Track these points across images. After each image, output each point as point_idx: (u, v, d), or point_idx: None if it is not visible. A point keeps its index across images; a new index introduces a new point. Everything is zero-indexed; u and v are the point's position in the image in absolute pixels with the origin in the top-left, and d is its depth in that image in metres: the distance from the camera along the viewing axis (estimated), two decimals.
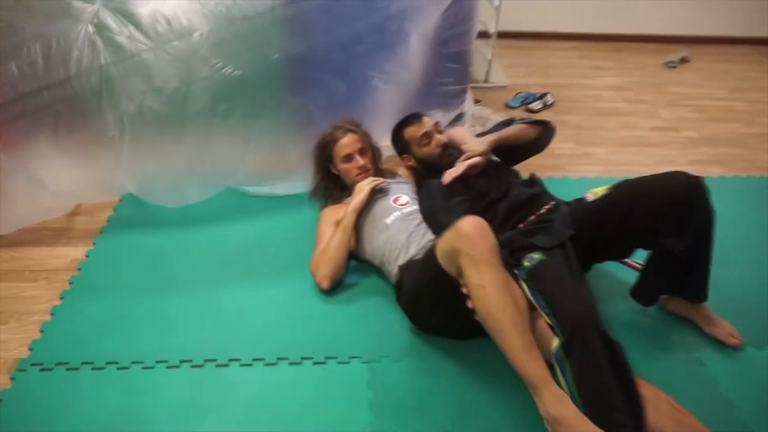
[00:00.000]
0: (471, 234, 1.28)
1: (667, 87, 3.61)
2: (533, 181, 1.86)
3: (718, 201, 1.54)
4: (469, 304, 1.32)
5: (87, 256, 1.92)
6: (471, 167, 1.81)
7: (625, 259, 1.89)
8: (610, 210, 1.61)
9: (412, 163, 1.99)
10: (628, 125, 3.07)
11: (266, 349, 1.57)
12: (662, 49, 4.24)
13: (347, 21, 1.95)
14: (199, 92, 1.82)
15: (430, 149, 1.91)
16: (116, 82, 1.75)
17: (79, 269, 1.87)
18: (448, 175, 1.80)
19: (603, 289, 1.82)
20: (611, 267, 1.87)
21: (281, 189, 2.27)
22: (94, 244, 1.99)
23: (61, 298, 1.75)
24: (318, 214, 2.00)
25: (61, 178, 1.90)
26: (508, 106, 3.21)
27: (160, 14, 1.76)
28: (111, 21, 1.75)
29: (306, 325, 1.67)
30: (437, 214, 1.71)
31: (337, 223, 1.84)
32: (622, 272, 1.88)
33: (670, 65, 3.95)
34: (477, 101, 3.14)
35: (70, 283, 1.81)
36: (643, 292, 1.70)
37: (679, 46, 4.28)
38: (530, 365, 1.25)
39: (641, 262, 1.86)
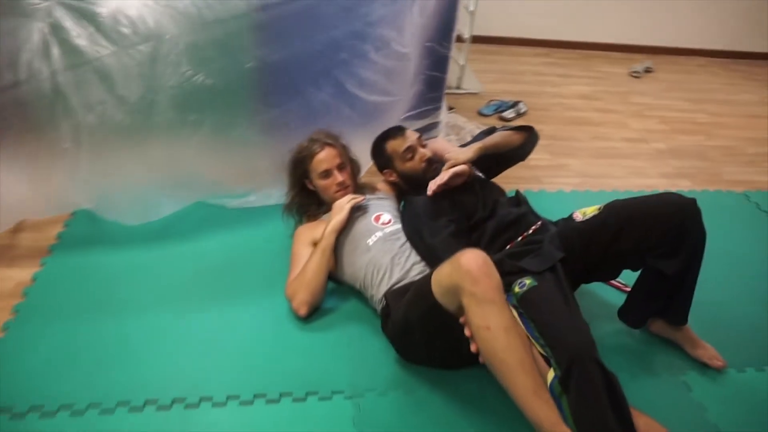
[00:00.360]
0: (474, 271, 1.20)
1: (633, 97, 3.66)
2: (519, 200, 1.81)
3: None
4: (473, 347, 1.24)
5: (34, 280, 1.74)
6: (455, 175, 1.72)
7: (611, 280, 1.88)
8: (601, 231, 1.58)
9: (394, 178, 1.90)
10: (599, 136, 3.08)
11: (241, 385, 1.46)
12: (627, 58, 4.31)
13: (326, 28, 1.84)
14: (167, 101, 1.68)
15: (414, 164, 1.83)
16: (73, 89, 1.58)
17: (24, 295, 1.68)
18: (433, 184, 1.71)
19: (586, 309, 1.76)
20: (594, 287, 1.85)
21: (254, 200, 2.15)
22: (42, 265, 1.80)
23: (4, 330, 1.57)
24: (292, 231, 1.89)
25: (3, 192, 1.70)
26: (481, 114, 3.17)
27: (123, 15, 1.60)
28: (68, 20, 1.57)
29: (283, 355, 1.56)
30: (424, 235, 1.63)
31: (314, 243, 1.74)
32: (605, 293, 1.87)
33: (635, 75, 4.02)
34: (450, 108, 3.08)
35: (14, 311, 1.63)
36: (633, 313, 1.69)
37: (643, 55, 4.38)
38: (540, 409, 1.19)
39: (626, 284, 1.86)
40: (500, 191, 1.86)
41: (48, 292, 1.70)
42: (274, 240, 1.98)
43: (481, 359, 1.25)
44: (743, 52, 4.58)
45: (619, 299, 1.82)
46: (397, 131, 1.88)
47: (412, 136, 1.86)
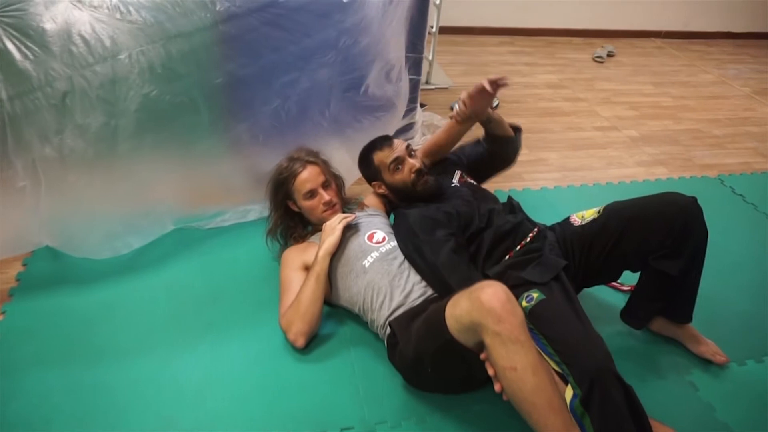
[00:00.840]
0: (497, 309, 1.12)
1: (599, 83, 3.68)
2: (513, 206, 1.76)
3: None
4: (497, 387, 1.17)
5: None
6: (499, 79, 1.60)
7: (611, 283, 1.86)
8: (603, 235, 1.56)
9: (383, 190, 1.80)
10: (572, 126, 3.08)
11: None
12: (588, 43, 4.34)
13: (298, 38, 1.71)
14: (131, 126, 1.53)
15: (403, 175, 1.73)
16: (23, 119, 1.40)
17: None
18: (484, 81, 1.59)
19: (586, 312, 1.76)
20: (592, 288, 1.82)
21: (230, 218, 2.02)
22: (3, 313, 1.63)
23: None
24: (276, 253, 1.78)
25: None
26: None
27: (73, 31, 1.42)
28: (7, 41, 1.38)
29: (284, 394, 1.46)
30: (425, 253, 1.54)
31: (305, 268, 1.64)
32: (603, 294, 1.84)
33: (598, 60, 4.04)
34: (422, 105, 3.01)
35: None
36: (636, 315, 1.67)
37: (603, 39, 4.41)
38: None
39: (627, 284, 1.84)
40: (494, 198, 1.80)
41: (14, 344, 1.53)
42: (257, 262, 1.86)
43: (505, 397, 1.19)
44: (697, 32, 4.69)
45: (618, 298, 1.82)
46: (383, 141, 1.78)
47: (400, 146, 1.76)
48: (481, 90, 1.64)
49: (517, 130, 1.90)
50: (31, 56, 1.40)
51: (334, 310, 1.70)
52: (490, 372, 1.18)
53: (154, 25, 1.50)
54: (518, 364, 1.12)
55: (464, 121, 1.77)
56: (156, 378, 1.47)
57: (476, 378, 1.30)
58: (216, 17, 1.55)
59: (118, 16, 1.48)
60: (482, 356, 1.19)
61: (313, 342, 1.59)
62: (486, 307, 1.12)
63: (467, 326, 1.17)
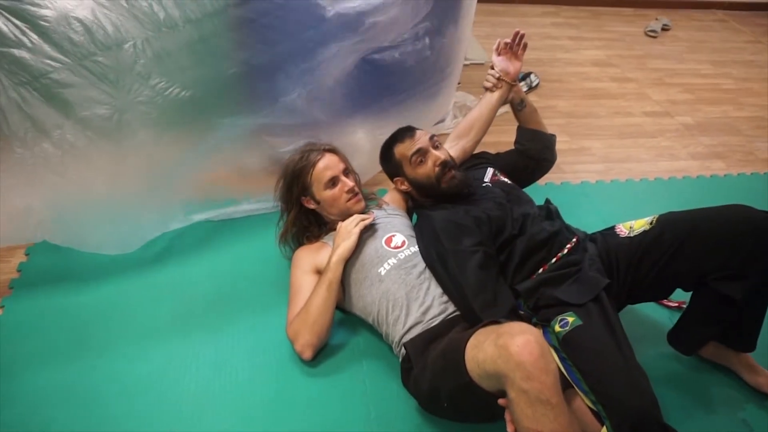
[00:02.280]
0: (528, 365, 0.96)
1: (652, 61, 3.37)
2: (550, 211, 1.57)
3: None
4: None
5: None
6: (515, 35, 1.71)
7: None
8: (655, 249, 1.37)
9: (405, 187, 1.64)
10: (620, 110, 2.81)
11: None
12: (640, 14, 3.98)
13: (315, 22, 1.54)
14: (138, 120, 1.40)
15: (427, 169, 1.56)
16: (18, 112, 1.28)
17: None
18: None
19: (627, 329, 1.58)
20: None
21: (243, 210, 1.90)
22: (2, 307, 1.56)
23: None
24: (287, 253, 1.65)
25: None
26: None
27: (73, 18, 1.28)
28: (2, 26, 1.25)
29: (288, 412, 1.35)
30: (449, 266, 1.38)
31: (317, 271, 1.51)
32: (647, 309, 1.66)
33: (651, 34, 3.70)
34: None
35: None
36: (685, 339, 1.49)
37: (657, 11, 4.04)
38: None
39: (675, 300, 1.65)
40: (529, 201, 1.61)
41: (11, 342, 1.46)
42: (268, 260, 1.73)
43: None
44: (764, 3, 4.25)
45: (664, 315, 1.63)
46: (405, 133, 1.61)
47: (422, 138, 1.59)
48: (504, 46, 1.72)
49: (551, 135, 1.78)
50: (28, 44, 1.27)
51: (347, 317, 1.57)
52: (510, 429, 1.03)
53: (161, 11, 1.35)
54: (545, 428, 0.96)
55: (496, 87, 1.74)
56: (153, 387, 1.38)
57: (498, 413, 1.16)
58: (227, 1, 1.38)
59: (122, 1, 1.33)
60: (501, 402, 1.04)
61: (323, 353, 1.47)
62: (515, 359, 0.96)
63: (491, 374, 1.02)
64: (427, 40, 1.86)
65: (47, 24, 1.27)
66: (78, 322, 1.52)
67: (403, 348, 1.33)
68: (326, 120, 1.76)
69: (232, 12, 1.39)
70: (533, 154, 1.77)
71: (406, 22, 1.77)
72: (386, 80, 1.83)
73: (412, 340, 1.31)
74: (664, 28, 3.79)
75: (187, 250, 1.76)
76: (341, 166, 1.57)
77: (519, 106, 1.77)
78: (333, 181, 1.55)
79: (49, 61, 1.28)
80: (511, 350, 0.97)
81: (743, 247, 1.28)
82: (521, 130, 1.81)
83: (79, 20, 1.28)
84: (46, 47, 1.28)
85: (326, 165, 1.55)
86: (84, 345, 1.47)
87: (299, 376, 1.43)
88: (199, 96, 1.45)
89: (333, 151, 1.60)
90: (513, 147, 1.83)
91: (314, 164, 1.55)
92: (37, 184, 1.38)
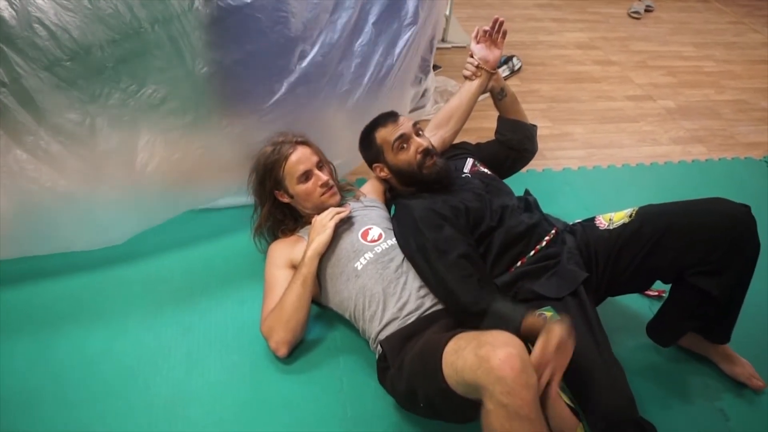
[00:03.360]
0: (509, 379, 0.92)
1: (635, 44, 3.33)
2: (529, 203, 1.54)
3: (714, 193, 1.37)
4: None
5: None
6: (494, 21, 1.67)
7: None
8: (634, 242, 1.35)
9: (385, 173, 1.58)
10: (602, 94, 2.78)
11: None
12: None
13: (285, 18, 1.47)
14: (111, 124, 1.37)
15: (408, 156, 1.51)
16: None
17: None
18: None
19: (605, 321, 1.58)
20: None
21: (222, 203, 1.85)
22: None
23: None
24: (263, 247, 1.60)
25: None
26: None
27: (34, 19, 1.21)
28: None
29: (262, 413, 1.31)
30: (430, 258, 1.33)
31: (293, 266, 1.46)
32: (626, 298, 1.64)
33: (635, 15, 3.66)
34: (435, 67, 2.73)
35: None
36: (663, 332, 1.48)
37: None
38: None
39: (655, 289, 1.64)
40: (508, 192, 1.58)
41: None
42: (242, 254, 1.68)
43: None
44: None
45: (643, 305, 1.62)
46: (387, 117, 1.56)
47: (405, 123, 1.54)
48: (483, 33, 1.68)
49: (532, 126, 1.74)
50: None
51: (324, 312, 1.54)
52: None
53: (128, 13, 1.28)
54: None
55: (475, 76, 1.69)
56: (123, 391, 1.33)
57: (476, 415, 1.14)
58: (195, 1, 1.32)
59: (84, 2, 1.26)
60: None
61: (298, 349, 1.44)
62: (496, 373, 0.93)
63: (469, 383, 0.98)
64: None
65: (9, 29, 1.20)
66: (44, 322, 1.47)
67: (379, 345, 1.30)
68: (306, 114, 1.70)
69: (201, 11, 1.33)
70: (514, 144, 1.73)
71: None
72: (360, 70, 1.77)
73: (388, 337, 1.28)
74: (648, 9, 3.75)
75: (157, 246, 1.70)
76: (314, 159, 1.52)
77: (499, 95, 1.72)
78: (306, 175, 1.50)
79: (16, 68, 1.22)
80: (492, 363, 0.94)
81: (722, 242, 1.26)
82: (502, 120, 1.76)
83: (43, 24, 1.23)
84: (12, 53, 1.22)
85: (299, 159, 1.49)
86: (50, 347, 1.42)
87: (274, 374, 1.39)
88: (173, 96, 1.41)
89: (306, 143, 1.54)
90: (494, 135, 1.79)
91: (286, 158, 1.49)
92: (9, 193, 1.34)
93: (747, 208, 1.28)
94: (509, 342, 0.97)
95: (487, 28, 1.68)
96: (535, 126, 1.77)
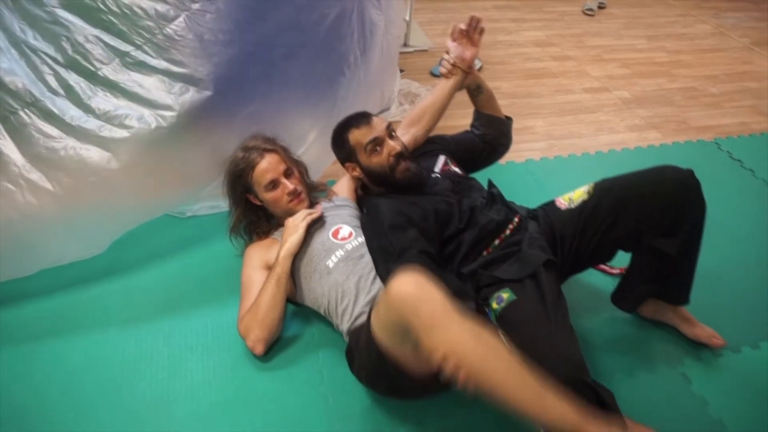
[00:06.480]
0: (409, 299, 0.98)
1: (590, 39, 3.46)
2: (493, 196, 1.58)
3: None
4: (459, 384, 1.03)
5: None
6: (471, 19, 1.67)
7: (600, 265, 1.74)
8: (595, 217, 1.43)
9: (357, 173, 1.62)
10: (560, 88, 2.89)
11: None
12: None
13: (249, 26, 1.53)
14: (89, 147, 1.44)
15: (381, 159, 1.54)
16: None
17: None
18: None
19: (573, 301, 1.63)
20: (580, 274, 1.69)
21: (201, 209, 1.89)
22: None
23: None
24: (240, 250, 1.64)
25: None
26: (433, 75, 2.91)
27: (8, 79, 1.33)
28: None
29: (245, 409, 1.35)
30: (388, 255, 1.39)
31: (268, 267, 1.51)
32: (592, 279, 1.72)
33: (588, 13, 3.80)
34: (400, 71, 2.80)
35: None
36: (627, 297, 1.56)
37: None
38: (553, 414, 1.02)
39: (617, 267, 1.72)
40: (479, 189, 1.62)
41: None
42: (220, 260, 1.72)
43: (459, 388, 1.05)
44: None
45: (607, 282, 1.70)
46: (361, 119, 1.57)
47: (379, 125, 1.56)
48: (460, 32, 1.68)
49: (508, 119, 1.78)
50: None
51: (301, 309, 1.58)
52: (449, 372, 1.02)
53: (95, 48, 1.38)
54: (455, 346, 0.98)
55: (451, 74, 1.70)
56: (108, 397, 1.35)
57: (438, 386, 1.19)
58: (158, 23, 1.39)
59: (55, 53, 1.37)
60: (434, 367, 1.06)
61: (277, 346, 1.48)
62: (397, 301, 0.99)
63: (391, 332, 1.04)
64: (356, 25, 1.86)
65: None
66: (25, 340, 1.48)
67: (348, 337, 1.35)
68: (276, 121, 1.74)
69: (167, 32, 1.39)
70: (489, 139, 1.77)
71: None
72: (331, 71, 1.83)
73: (353, 330, 1.34)
74: (601, 6, 3.90)
75: (135, 259, 1.73)
76: (281, 167, 1.55)
77: (476, 92, 1.74)
78: (273, 184, 1.54)
79: (5, 106, 1.30)
80: (391, 295, 1.00)
81: (674, 205, 1.36)
82: (477, 115, 1.78)
83: (18, 77, 1.32)
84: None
85: (266, 168, 1.53)
86: (33, 361, 1.43)
87: (256, 372, 1.43)
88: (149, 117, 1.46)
89: (274, 150, 1.57)
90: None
91: (253, 167, 1.53)
92: None
93: (691, 171, 1.38)
94: (401, 274, 1.03)
95: (463, 26, 1.68)
96: (510, 120, 1.80)
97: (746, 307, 1.68)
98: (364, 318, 1.34)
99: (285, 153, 1.60)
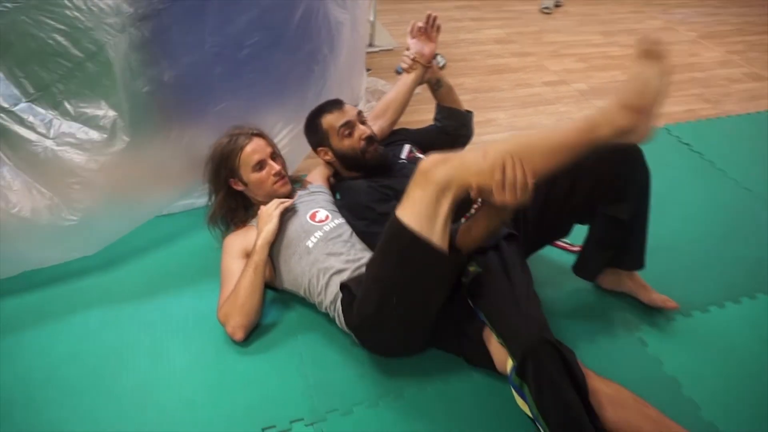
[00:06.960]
0: (438, 157, 1.17)
1: (548, 36, 3.61)
2: None
3: None
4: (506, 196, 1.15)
5: None
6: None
7: (557, 242, 1.84)
8: (554, 190, 1.52)
9: (329, 157, 1.72)
10: (521, 82, 3.02)
11: None
12: None
13: (217, 27, 1.58)
14: (68, 151, 1.49)
15: (353, 142, 1.65)
16: None
17: None
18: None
19: (538, 276, 1.74)
20: (544, 252, 1.79)
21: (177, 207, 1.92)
22: None
23: None
24: (218, 240, 1.69)
25: None
26: (399, 73, 3.00)
27: None
28: None
29: (228, 391, 1.40)
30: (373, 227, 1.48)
31: (246, 255, 1.56)
32: (555, 256, 1.83)
33: (546, 11, 3.96)
34: (367, 70, 2.89)
35: None
36: (587, 266, 1.66)
37: None
38: (604, 126, 1.19)
39: (577, 245, 1.82)
40: None
41: None
42: (197, 252, 1.77)
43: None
44: None
45: (569, 259, 1.80)
46: (333, 105, 1.70)
47: (350, 111, 1.69)
48: (418, 29, 1.82)
49: (468, 112, 1.89)
50: None
51: (279, 296, 1.64)
52: (497, 198, 1.16)
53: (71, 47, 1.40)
54: (496, 154, 1.14)
55: (412, 69, 1.83)
56: (92, 386, 1.39)
57: (441, 329, 1.27)
58: (122, 26, 1.42)
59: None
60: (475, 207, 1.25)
61: (257, 332, 1.53)
62: (430, 163, 1.16)
63: (427, 205, 1.16)
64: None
65: None
66: (7, 333, 1.51)
67: (341, 290, 1.41)
68: (249, 117, 1.79)
69: (133, 33, 1.43)
70: (450, 130, 1.88)
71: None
72: (300, 69, 1.89)
73: (350, 279, 1.41)
74: (557, 5, 4.07)
75: (114, 255, 1.76)
76: (268, 150, 1.63)
77: (436, 86, 1.87)
78: (260, 165, 1.60)
79: None
80: (422, 170, 1.16)
81: (621, 173, 1.46)
82: (439, 108, 1.90)
83: None
84: None
85: (254, 149, 1.60)
86: (16, 355, 1.45)
87: (237, 356, 1.48)
88: (124, 118, 1.51)
89: (260, 135, 1.66)
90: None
91: (242, 148, 1.60)
92: None
93: (635, 144, 1.47)
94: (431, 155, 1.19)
95: (421, 24, 1.81)
96: (470, 112, 1.92)
97: (696, 275, 1.80)
98: (349, 272, 1.43)
99: (270, 140, 1.68)
